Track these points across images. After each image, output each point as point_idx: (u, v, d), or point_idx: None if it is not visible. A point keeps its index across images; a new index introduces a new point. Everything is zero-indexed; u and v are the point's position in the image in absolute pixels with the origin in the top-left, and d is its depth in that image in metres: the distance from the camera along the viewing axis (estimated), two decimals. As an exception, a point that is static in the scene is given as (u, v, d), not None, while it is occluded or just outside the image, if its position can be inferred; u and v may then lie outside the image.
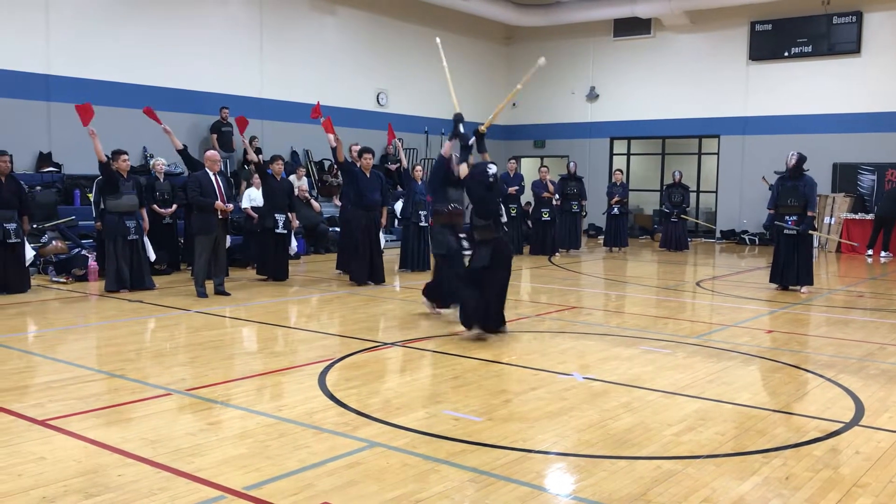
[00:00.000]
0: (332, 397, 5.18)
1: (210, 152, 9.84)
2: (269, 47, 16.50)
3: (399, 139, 13.41)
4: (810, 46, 18.14)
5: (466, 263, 8.35)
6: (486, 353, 6.60)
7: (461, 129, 8.03)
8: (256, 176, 12.08)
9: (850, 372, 6.09)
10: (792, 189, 10.46)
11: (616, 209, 16.78)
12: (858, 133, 17.58)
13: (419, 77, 19.05)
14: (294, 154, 16.71)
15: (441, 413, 4.89)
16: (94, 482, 3.68)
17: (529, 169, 20.78)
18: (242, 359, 6.55)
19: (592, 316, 8.84)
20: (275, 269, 11.02)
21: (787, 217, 10.49)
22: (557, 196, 15.95)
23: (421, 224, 12.04)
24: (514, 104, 21.89)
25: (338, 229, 13.36)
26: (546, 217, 15.55)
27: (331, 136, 10.60)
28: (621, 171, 17.95)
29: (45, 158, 13.08)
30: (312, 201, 14.75)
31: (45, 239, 11.38)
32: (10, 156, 9.67)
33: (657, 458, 4.12)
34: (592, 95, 21.39)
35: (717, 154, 19.90)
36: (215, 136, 14.96)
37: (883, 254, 15.60)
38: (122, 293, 9.60)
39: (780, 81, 18.62)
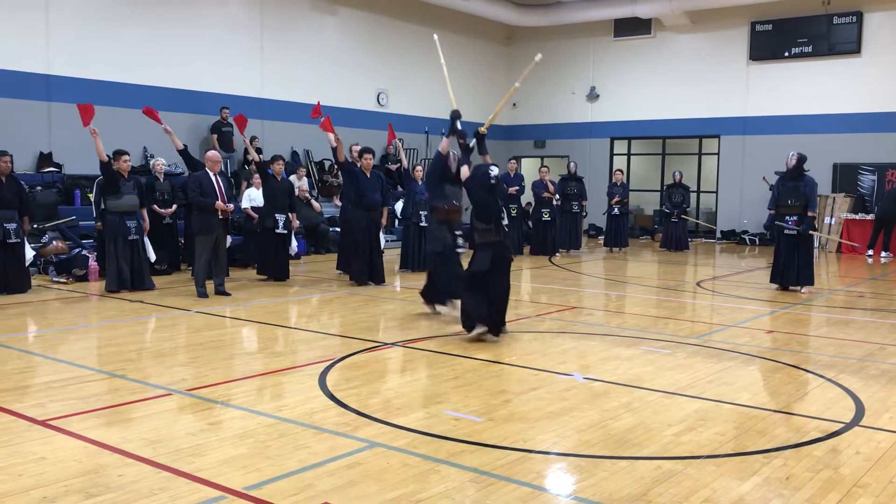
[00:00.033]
0: (332, 397, 5.18)
1: (211, 152, 9.85)
2: (270, 47, 16.50)
3: (399, 139, 13.42)
4: (810, 46, 18.14)
5: (462, 262, 8.39)
6: (486, 353, 6.60)
7: (458, 125, 8.05)
8: (256, 176, 12.08)
9: (850, 372, 6.09)
10: (792, 189, 10.46)
11: (616, 209, 16.79)
12: (859, 133, 17.58)
13: (419, 77, 19.05)
14: (294, 154, 16.71)
15: (441, 413, 4.89)
16: (95, 482, 3.68)
17: (530, 169, 20.78)
18: (243, 359, 6.56)
19: (593, 316, 8.84)
20: (275, 270, 11.02)
21: (787, 217, 10.49)
22: (558, 196, 15.95)
23: (421, 224, 12.03)
24: (514, 104, 21.93)
25: (338, 229, 13.36)
26: (546, 217, 15.55)
27: (331, 136, 10.61)
28: (622, 172, 17.95)
29: (45, 158, 13.08)
30: (313, 201, 14.75)
31: (45, 239, 11.38)
32: (11, 156, 9.67)
33: (658, 459, 4.12)
34: (593, 95, 21.39)
35: (718, 154, 19.90)
36: (215, 136, 14.96)
37: (883, 254, 15.60)
38: (122, 293, 9.60)
39: (781, 81, 18.62)
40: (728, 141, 19.56)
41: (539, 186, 15.73)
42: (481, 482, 3.76)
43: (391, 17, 18.97)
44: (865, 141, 17.50)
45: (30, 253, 9.93)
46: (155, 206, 11.17)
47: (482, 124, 7.95)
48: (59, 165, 13.17)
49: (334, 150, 10.83)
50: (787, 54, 18.45)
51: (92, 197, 11.33)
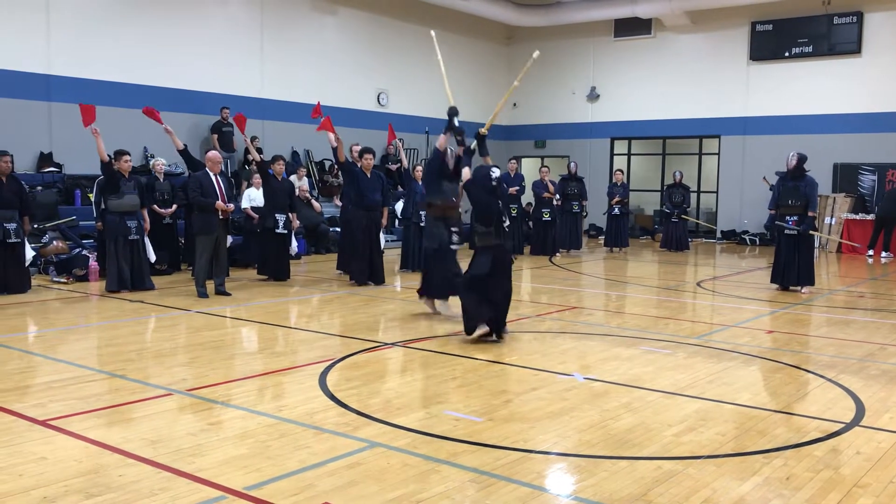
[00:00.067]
0: (332, 397, 5.19)
1: (211, 153, 9.84)
2: (270, 47, 16.50)
3: (399, 139, 13.42)
4: (811, 47, 18.14)
5: (459, 259, 8.41)
6: (486, 353, 6.60)
7: (456, 122, 8.07)
8: (256, 176, 12.09)
9: (850, 372, 6.09)
10: (793, 189, 10.46)
11: (617, 209, 16.79)
12: (859, 133, 17.58)
13: (419, 77, 19.06)
14: (295, 154, 16.71)
15: (442, 413, 4.89)
16: (95, 482, 3.68)
17: (530, 169, 20.78)
18: (243, 359, 6.56)
19: (593, 316, 8.84)
20: (276, 270, 11.03)
21: (787, 217, 10.48)
22: (558, 196, 15.95)
23: (421, 224, 12.01)
24: (514, 104, 21.94)
25: (338, 229, 13.36)
26: (547, 217, 15.56)
27: (331, 136, 10.61)
28: (622, 172, 17.95)
29: (45, 158, 13.09)
30: (313, 201, 14.76)
31: (45, 239, 11.38)
32: (11, 156, 9.68)
33: (658, 459, 4.12)
34: (593, 96, 21.39)
35: (718, 154, 19.89)
36: (216, 136, 14.96)
37: (884, 254, 15.61)
38: (122, 293, 9.60)
39: (781, 82, 18.62)
40: (728, 141, 19.56)
41: (539, 186, 15.73)
42: (481, 482, 3.76)
43: (391, 17, 18.98)
44: (866, 141, 17.50)
45: (30, 253, 9.93)
46: (155, 206, 11.17)
47: (482, 125, 7.96)
48: (59, 165, 13.17)
49: (335, 150, 10.84)
50: (787, 54, 18.45)
51: (92, 197, 11.34)
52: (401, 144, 13.61)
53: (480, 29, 21.15)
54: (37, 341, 7.20)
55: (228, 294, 9.63)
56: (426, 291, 8.40)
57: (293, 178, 13.69)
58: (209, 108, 15.08)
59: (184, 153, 10.57)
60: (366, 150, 10.95)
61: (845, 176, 17.82)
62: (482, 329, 6.86)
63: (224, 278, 9.83)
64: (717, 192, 20.05)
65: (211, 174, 9.53)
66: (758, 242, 18.62)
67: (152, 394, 5.25)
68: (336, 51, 17.78)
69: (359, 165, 10.84)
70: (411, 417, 4.77)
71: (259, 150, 11.98)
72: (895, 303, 10.04)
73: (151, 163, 12.19)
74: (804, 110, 18.28)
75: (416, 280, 10.86)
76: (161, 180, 11.62)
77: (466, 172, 7.47)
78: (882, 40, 17.45)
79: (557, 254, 15.60)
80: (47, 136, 13.17)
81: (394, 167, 16.97)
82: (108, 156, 9.79)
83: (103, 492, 3.57)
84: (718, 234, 19.81)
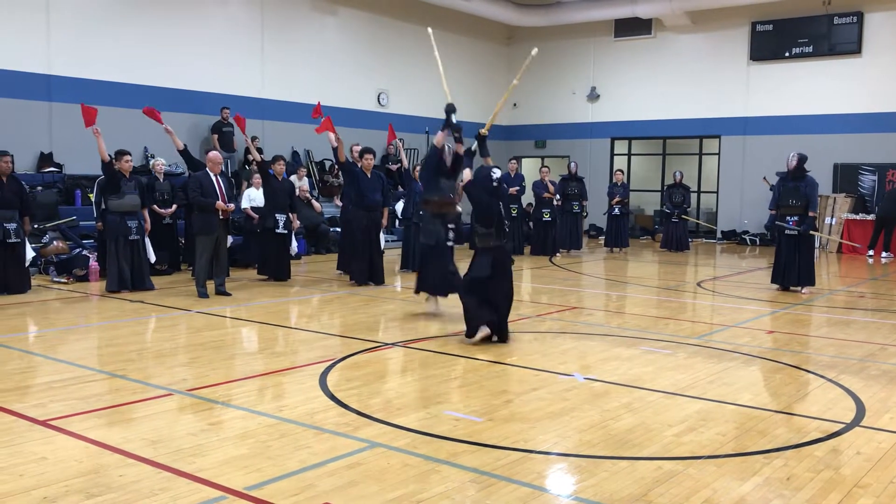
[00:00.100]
0: (332, 398, 5.19)
1: (212, 153, 9.84)
2: (270, 47, 16.50)
3: (400, 139, 13.41)
4: (811, 47, 18.14)
5: (454, 257, 8.43)
6: (486, 353, 6.59)
7: (453, 119, 8.09)
8: (256, 176, 12.09)
9: (851, 373, 6.09)
10: (793, 189, 10.46)
11: (617, 209, 16.79)
12: (859, 133, 17.58)
13: (420, 77, 19.05)
14: (295, 154, 16.71)
15: (442, 413, 4.89)
16: (96, 482, 3.68)
17: (530, 169, 20.79)
18: (243, 359, 6.56)
19: (593, 316, 8.84)
20: (276, 270, 11.03)
21: (788, 217, 10.48)
22: (558, 196, 15.95)
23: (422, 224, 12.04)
24: (514, 104, 21.94)
25: (339, 229, 13.36)
26: (547, 217, 15.56)
27: (332, 136, 10.61)
28: (622, 172, 17.95)
29: (46, 158, 13.09)
30: (313, 201, 14.76)
31: (46, 239, 11.38)
32: (12, 156, 9.68)
33: (658, 459, 4.12)
34: (593, 96, 21.39)
35: (718, 154, 19.89)
36: (216, 136, 14.96)
37: (884, 254, 15.60)
38: (123, 293, 9.60)
39: (781, 82, 18.62)
40: (728, 141, 19.56)
41: (539, 187, 15.73)
42: (482, 482, 3.76)
43: (391, 17, 18.98)
44: (866, 141, 17.49)
45: (30, 253, 9.93)
46: (155, 207, 11.16)
47: (483, 125, 7.95)
48: (59, 165, 13.17)
49: (335, 150, 10.84)
50: (787, 54, 18.45)
51: (92, 197, 11.34)
52: (401, 144, 13.60)
53: (480, 29, 21.15)
54: (37, 341, 7.20)
55: (229, 294, 9.63)
56: (421, 287, 8.42)
57: (293, 178, 13.69)
58: (209, 108, 15.07)
59: (184, 153, 10.57)
60: (366, 151, 10.95)
61: (845, 176, 17.82)
62: (483, 332, 6.85)
63: (224, 278, 9.83)
64: (717, 193, 20.05)
65: (211, 174, 9.53)
66: (758, 242, 18.62)
67: (153, 394, 5.25)
68: (336, 51, 17.78)
69: (359, 165, 10.84)
70: (411, 417, 4.77)
71: (259, 150, 11.98)
72: (895, 303, 10.04)
73: (151, 163, 12.18)
74: (804, 110, 18.28)
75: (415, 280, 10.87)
76: (161, 180, 11.61)
77: (467, 174, 7.45)
78: (882, 40, 17.45)
79: (558, 254, 15.60)
80: (47, 136, 13.18)
81: (394, 167, 16.97)
82: (109, 156, 9.79)
83: (104, 492, 3.57)
84: (719, 235, 19.81)
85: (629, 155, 21.58)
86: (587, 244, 18.41)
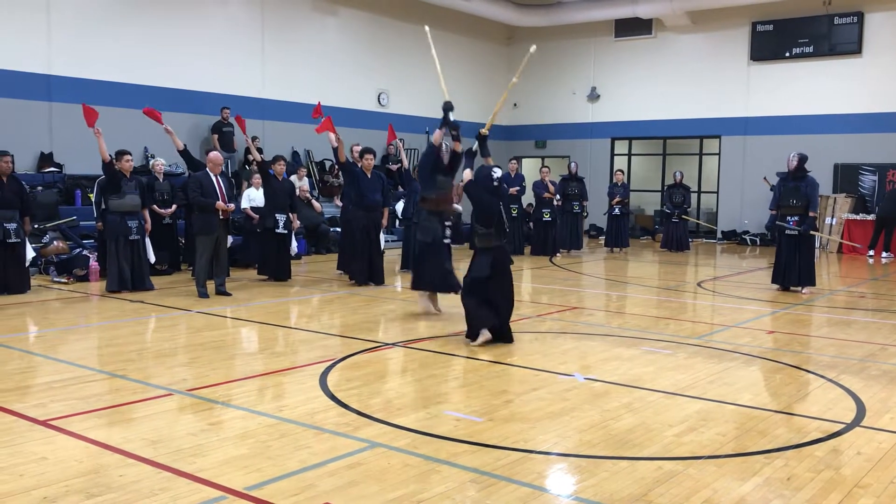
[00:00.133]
0: (333, 398, 5.18)
1: (213, 154, 9.84)
2: (271, 48, 16.50)
3: (400, 139, 13.40)
4: (811, 47, 18.14)
5: (451, 254, 8.45)
6: (487, 353, 6.59)
7: (451, 117, 8.11)
8: (256, 176, 12.09)
9: (851, 373, 6.09)
10: (794, 190, 10.46)
11: (617, 209, 16.79)
12: (860, 133, 17.58)
13: (420, 77, 19.05)
14: (295, 154, 16.71)
15: (442, 413, 4.89)
16: (96, 482, 3.68)
17: (530, 169, 20.78)
18: (243, 359, 6.56)
19: (594, 316, 8.84)
20: (276, 270, 11.03)
21: (788, 217, 10.48)
22: (558, 196, 15.95)
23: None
24: (514, 104, 21.94)
25: (339, 229, 13.36)
26: (547, 217, 15.55)
27: (332, 137, 10.61)
28: (622, 172, 17.95)
29: (46, 158, 13.09)
30: (314, 201, 14.76)
31: (46, 239, 11.38)
32: (12, 156, 9.68)
33: (658, 459, 4.12)
34: (593, 96, 21.39)
35: (719, 154, 19.89)
36: (216, 136, 14.96)
37: (884, 254, 15.60)
38: (123, 293, 9.60)
39: (782, 82, 18.62)
40: (729, 141, 19.56)
41: (540, 187, 15.73)
42: (482, 482, 3.76)
43: (392, 17, 18.98)
44: (866, 141, 17.49)
45: (31, 253, 9.93)
46: (154, 207, 11.16)
47: (483, 125, 7.95)
48: (59, 165, 13.17)
49: (335, 150, 10.84)
50: (787, 54, 18.45)
51: (92, 197, 11.33)
52: (401, 144, 13.60)
53: (480, 29, 21.15)
54: (37, 341, 7.20)
55: (229, 294, 9.63)
56: (417, 284, 8.43)
57: (293, 178, 13.69)
58: (209, 108, 15.07)
59: (184, 153, 10.57)
60: (366, 151, 10.96)
61: (846, 176, 17.82)
62: (484, 336, 6.83)
63: (224, 278, 9.83)
64: (717, 193, 20.04)
65: (211, 174, 9.53)
66: (758, 243, 18.62)
67: (153, 394, 5.25)
68: (336, 51, 17.79)
69: (359, 166, 10.84)
70: (412, 418, 4.77)
71: (259, 150, 11.99)
72: (895, 303, 10.05)
73: (151, 163, 12.18)
74: (805, 110, 18.28)
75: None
76: (161, 180, 11.61)
77: (468, 174, 7.44)
78: (882, 40, 17.45)
79: (558, 254, 15.59)
80: (48, 136, 13.18)
81: (394, 167, 16.97)
82: (110, 156, 9.79)
83: (104, 492, 3.57)
84: (719, 235, 19.81)
85: (629, 155, 21.58)
86: (587, 244, 18.42)
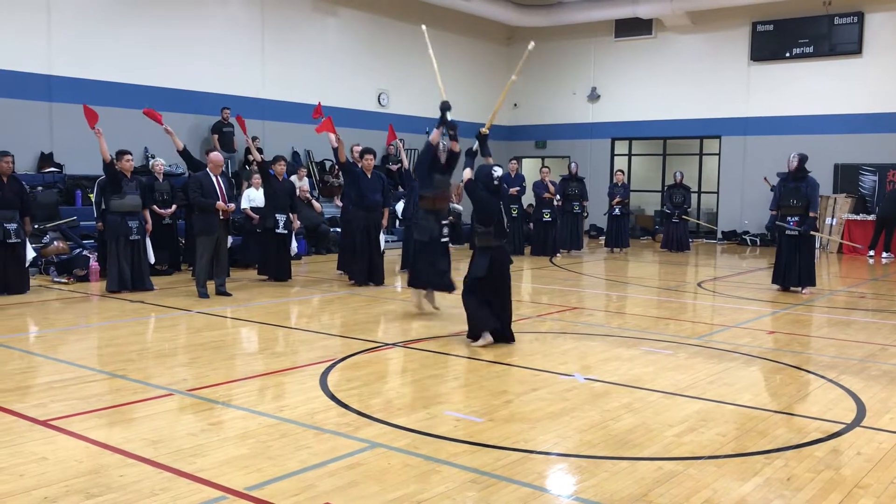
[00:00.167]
0: (333, 398, 5.19)
1: (214, 154, 9.83)
2: (271, 48, 16.51)
3: (400, 139, 13.40)
4: (812, 47, 18.14)
5: (448, 253, 8.45)
6: (487, 353, 6.59)
7: (448, 117, 8.12)
8: (256, 176, 12.09)
9: (851, 373, 6.09)
10: (794, 190, 10.46)
11: (617, 210, 16.79)
12: (860, 134, 17.58)
13: (420, 77, 19.02)
14: (295, 154, 16.71)
15: (442, 414, 4.89)
16: (96, 482, 3.69)
17: (530, 169, 20.78)
18: (244, 359, 6.56)
19: (594, 317, 8.84)
20: (276, 270, 11.03)
21: (789, 218, 10.48)
22: (559, 197, 15.96)
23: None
24: (514, 104, 21.94)
25: (339, 230, 13.36)
26: (547, 218, 15.55)
27: (332, 137, 10.61)
28: (622, 172, 17.95)
29: (46, 159, 13.09)
30: (314, 202, 14.76)
31: (46, 239, 11.38)
32: (12, 156, 9.68)
33: (659, 459, 4.12)
34: (594, 96, 21.39)
35: (719, 155, 19.89)
36: (216, 136, 14.96)
37: (884, 255, 15.60)
38: (123, 294, 9.60)
39: (782, 82, 18.61)
40: (729, 141, 19.56)
41: (540, 187, 15.73)
42: (482, 483, 3.76)
43: (392, 17, 18.98)
44: (866, 141, 17.49)
45: (31, 253, 9.93)
46: (154, 207, 11.16)
47: (483, 125, 7.95)
48: (60, 166, 13.18)
49: (335, 150, 10.84)
50: (788, 55, 18.45)
51: (93, 197, 11.33)
52: (401, 145, 13.59)
53: (481, 29, 21.15)
54: (37, 341, 7.21)
55: (229, 294, 9.64)
56: (414, 282, 8.45)
57: (294, 178, 13.69)
58: (210, 108, 15.08)
59: (183, 153, 10.57)
60: (366, 151, 10.96)
61: (846, 176, 17.82)
62: (486, 340, 6.83)
63: (225, 279, 9.83)
64: (717, 193, 20.04)
65: (212, 175, 9.53)
66: (758, 243, 18.61)
67: (153, 394, 5.25)
68: (337, 51, 17.79)
69: (359, 166, 10.85)
70: (412, 418, 4.77)
71: (260, 151, 11.99)
72: (895, 303, 10.05)
73: (151, 163, 12.18)
74: (805, 111, 18.28)
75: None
76: (160, 181, 11.61)
77: (468, 173, 7.44)
78: (883, 40, 17.45)
79: (558, 254, 15.59)
80: (48, 136, 13.18)
81: (394, 167, 16.97)
82: (111, 156, 9.80)
83: (104, 492, 3.57)
84: (719, 235, 19.81)
85: (629, 155, 21.58)
86: (587, 244, 18.42)
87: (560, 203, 15.99)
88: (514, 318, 7.24)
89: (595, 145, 21.45)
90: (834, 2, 17.78)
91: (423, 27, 9.09)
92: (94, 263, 10.71)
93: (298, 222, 11.81)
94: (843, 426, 4.74)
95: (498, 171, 7.24)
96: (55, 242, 11.32)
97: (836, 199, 17.20)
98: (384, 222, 11.15)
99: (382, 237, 11.14)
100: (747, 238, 18.93)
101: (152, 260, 10.34)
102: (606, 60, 21.17)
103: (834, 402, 5.29)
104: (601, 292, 11.15)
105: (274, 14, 16.51)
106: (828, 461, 4.14)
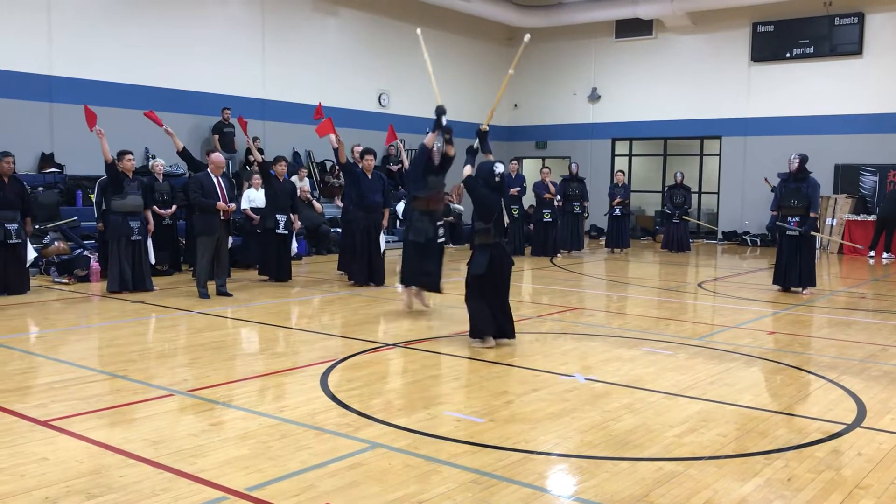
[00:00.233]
0: (333, 398, 5.19)
1: (215, 155, 9.83)
2: (271, 48, 16.51)
3: (400, 140, 13.39)
4: (812, 47, 18.14)
5: (443, 254, 8.47)
6: (487, 354, 6.60)
7: (443, 121, 8.15)
8: (256, 176, 12.09)
9: (852, 373, 6.09)
10: (795, 190, 10.46)
11: (618, 210, 16.79)
12: (860, 134, 17.58)
13: (420, 78, 18.97)
14: (296, 155, 16.72)
15: (443, 414, 4.89)
16: (97, 483, 3.69)
17: (531, 170, 20.79)
18: (244, 360, 6.56)
19: (594, 317, 8.84)
20: (277, 270, 11.03)
21: (789, 218, 10.48)
22: (559, 197, 15.96)
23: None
24: (515, 105, 21.94)
25: (339, 230, 13.36)
26: (548, 218, 15.56)
27: (332, 137, 10.61)
28: (623, 173, 17.95)
29: (47, 159, 13.09)
30: (314, 202, 14.76)
31: (47, 240, 11.39)
32: (13, 157, 9.68)
33: (659, 460, 4.12)
34: (594, 96, 21.39)
35: (719, 155, 19.89)
36: (217, 136, 14.97)
37: (885, 255, 15.60)
38: (124, 294, 9.60)
39: (782, 82, 18.62)
40: (729, 142, 19.56)
41: (540, 187, 15.73)
42: (483, 483, 3.76)
43: (392, 18, 18.98)
44: (867, 142, 17.49)
45: (32, 254, 9.93)
46: (154, 207, 11.15)
47: (482, 124, 7.95)
48: (60, 166, 13.18)
49: (336, 151, 10.84)
50: (788, 55, 18.45)
51: (93, 197, 11.34)
52: (401, 145, 13.59)
53: (481, 29, 21.15)
54: (38, 342, 7.21)
55: (230, 295, 9.64)
56: (408, 280, 8.46)
57: (294, 178, 13.69)
58: (210, 108, 15.08)
59: (183, 154, 10.57)
60: (367, 151, 10.96)
61: (846, 177, 17.82)
62: (488, 343, 6.84)
63: (225, 279, 9.84)
64: (718, 193, 20.04)
65: (212, 175, 9.53)
66: (759, 243, 18.61)
67: (154, 394, 5.25)
68: (337, 52, 17.79)
69: (360, 166, 10.85)
70: (412, 418, 4.77)
71: (260, 151, 12.00)
72: (896, 304, 10.04)
73: (151, 164, 12.18)
74: (805, 111, 18.28)
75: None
76: (160, 181, 11.61)
77: (468, 169, 7.43)
78: (883, 41, 17.45)
79: (558, 255, 15.60)
80: (48, 136, 13.18)
81: (395, 168, 16.98)
82: (112, 156, 9.80)
83: (105, 492, 3.58)
84: (719, 235, 19.81)
85: (630, 156, 21.58)
86: (588, 245, 18.42)
87: (560, 203, 16.00)
88: (515, 319, 7.22)
89: (595, 146, 21.46)
90: (834, 2, 17.78)
91: (418, 31, 9.10)
92: (94, 264, 10.71)
93: (299, 223, 11.81)
94: (844, 427, 4.75)
95: (500, 168, 7.20)
96: (56, 243, 11.33)
97: (836, 199, 17.21)
98: (384, 223, 11.15)
99: (383, 238, 11.14)
100: (748, 238, 18.93)
101: (153, 260, 10.34)
102: (607, 61, 21.17)
103: (834, 402, 5.29)
104: (602, 293, 11.15)
105: (274, 14, 16.52)
106: (828, 462, 4.14)
